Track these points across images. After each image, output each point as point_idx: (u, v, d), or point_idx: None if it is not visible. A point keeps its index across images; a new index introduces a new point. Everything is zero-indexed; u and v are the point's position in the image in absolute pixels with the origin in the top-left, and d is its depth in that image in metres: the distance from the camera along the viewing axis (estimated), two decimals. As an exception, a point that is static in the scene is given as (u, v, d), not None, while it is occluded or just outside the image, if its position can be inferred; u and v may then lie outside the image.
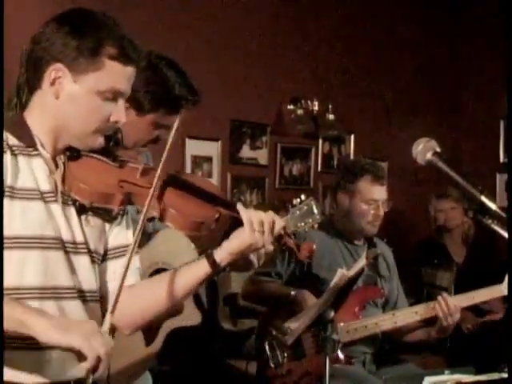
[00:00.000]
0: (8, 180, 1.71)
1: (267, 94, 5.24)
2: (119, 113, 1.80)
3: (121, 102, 1.81)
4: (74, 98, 1.76)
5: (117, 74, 1.77)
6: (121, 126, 1.86)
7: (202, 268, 1.84)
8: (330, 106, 5.45)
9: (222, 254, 1.83)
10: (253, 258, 2.58)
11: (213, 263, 1.82)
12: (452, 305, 3.18)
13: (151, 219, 2.75)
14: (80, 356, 1.59)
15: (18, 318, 1.60)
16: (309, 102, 5.39)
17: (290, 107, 5.36)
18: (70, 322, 1.69)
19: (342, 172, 3.58)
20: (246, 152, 5.26)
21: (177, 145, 4.74)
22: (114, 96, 1.78)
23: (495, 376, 2.01)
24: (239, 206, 1.83)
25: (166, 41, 4.25)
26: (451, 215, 4.88)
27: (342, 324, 3.14)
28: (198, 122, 4.74)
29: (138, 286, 1.89)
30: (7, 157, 1.72)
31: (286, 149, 5.49)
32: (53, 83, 1.76)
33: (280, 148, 5.45)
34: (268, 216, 1.83)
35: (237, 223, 1.85)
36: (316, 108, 5.42)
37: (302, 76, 5.42)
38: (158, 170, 1.75)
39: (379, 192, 3.40)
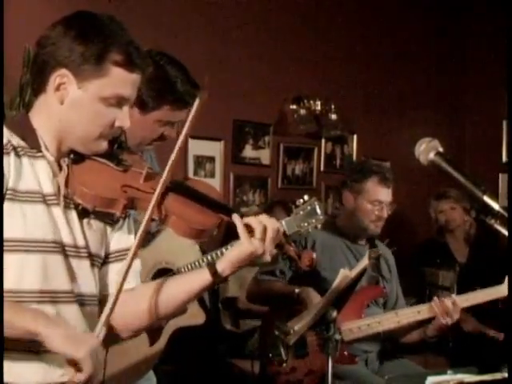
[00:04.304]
0: (10, 182, 1.70)
1: (270, 94, 5.25)
2: (124, 119, 1.80)
3: (125, 108, 1.80)
4: (78, 104, 1.76)
5: (122, 81, 1.76)
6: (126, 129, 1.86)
7: (202, 277, 1.83)
8: (333, 106, 5.45)
9: (224, 263, 1.82)
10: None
11: (214, 273, 1.81)
12: (449, 304, 3.19)
13: (153, 219, 2.76)
14: (70, 363, 1.62)
15: (26, 326, 1.62)
16: (311, 101, 5.39)
17: (293, 107, 5.36)
18: (77, 333, 1.69)
19: (349, 171, 3.61)
20: (248, 152, 5.26)
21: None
22: (118, 102, 1.77)
23: (498, 376, 2.01)
24: (234, 217, 1.81)
25: (167, 41, 4.25)
26: (452, 216, 4.88)
27: (345, 323, 3.15)
28: (201, 121, 4.71)
29: (139, 290, 1.88)
30: (11, 158, 1.71)
31: (288, 149, 5.49)
32: (57, 89, 1.75)
33: (282, 148, 5.45)
34: (271, 223, 1.82)
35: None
36: (318, 108, 5.42)
37: (304, 76, 5.42)
38: (163, 177, 1.74)
39: (385, 194, 3.43)
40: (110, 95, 1.75)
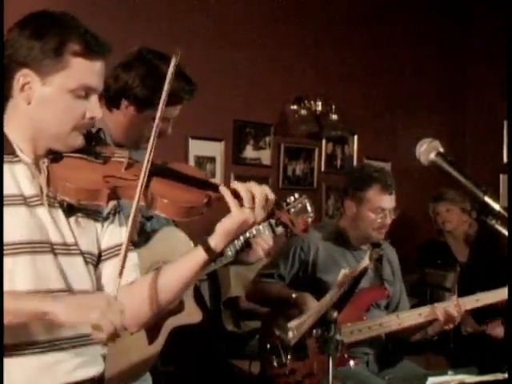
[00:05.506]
0: None
1: (270, 94, 5.24)
2: (94, 109, 1.79)
3: (94, 98, 1.79)
4: (46, 101, 1.75)
5: (84, 71, 1.75)
6: (97, 122, 1.85)
7: (197, 256, 1.83)
8: (334, 107, 5.45)
9: (216, 237, 1.81)
10: (258, 248, 2.58)
11: (208, 249, 1.81)
12: (453, 311, 3.19)
13: (149, 218, 2.76)
14: (96, 327, 1.62)
15: (33, 309, 1.63)
16: (312, 102, 5.39)
17: (294, 107, 5.35)
18: (84, 299, 1.71)
19: (351, 179, 3.55)
20: (249, 152, 5.26)
21: (180, 145, 4.75)
22: (85, 92, 1.77)
23: (499, 376, 2.01)
24: (221, 188, 1.80)
25: (167, 41, 4.24)
26: (448, 217, 4.88)
27: (346, 325, 3.14)
28: (202, 122, 4.74)
29: (139, 282, 1.88)
30: None
31: (289, 149, 5.49)
32: (22, 89, 1.75)
33: (283, 148, 5.45)
34: (260, 190, 1.79)
35: None
36: (319, 108, 5.42)
37: (305, 76, 5.42)
38: (145, 161, 1.75)
39: (388, 201, 3.39)
40: (76, 86, 1.75)
